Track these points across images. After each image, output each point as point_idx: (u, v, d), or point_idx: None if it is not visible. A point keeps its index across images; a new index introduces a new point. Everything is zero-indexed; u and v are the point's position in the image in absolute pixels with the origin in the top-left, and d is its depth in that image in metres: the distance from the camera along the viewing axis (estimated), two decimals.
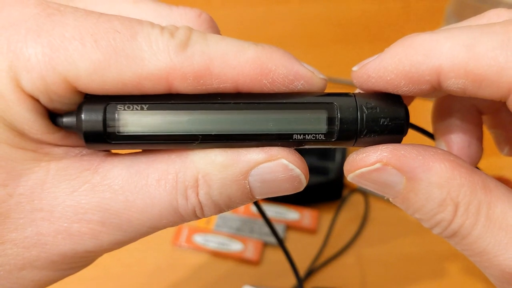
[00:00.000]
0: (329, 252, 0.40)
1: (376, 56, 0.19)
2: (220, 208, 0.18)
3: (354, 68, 0.20)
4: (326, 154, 0.45)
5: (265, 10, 0.64)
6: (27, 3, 0.17)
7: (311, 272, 0.39)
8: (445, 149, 0.23)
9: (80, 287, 0.37)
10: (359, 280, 0.39)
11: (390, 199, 0.19)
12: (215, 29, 0.21)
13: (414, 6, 0.63)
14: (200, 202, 0.18)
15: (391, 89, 0.18)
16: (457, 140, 0.23)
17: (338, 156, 0.44)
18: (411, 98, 0.24)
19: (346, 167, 0.19)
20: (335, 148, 0.45)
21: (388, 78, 0.18)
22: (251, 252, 0.39)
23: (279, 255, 0.40)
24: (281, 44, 0.67)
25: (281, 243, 0.23)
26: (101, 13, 0.17)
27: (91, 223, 0.17)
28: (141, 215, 0.17)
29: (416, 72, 0.17)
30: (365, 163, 0.18)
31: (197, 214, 0.18)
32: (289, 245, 0.41)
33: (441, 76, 0.17)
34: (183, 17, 0.20)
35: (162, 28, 0.17)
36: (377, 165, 0.18)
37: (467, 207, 0.17)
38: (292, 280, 0.38)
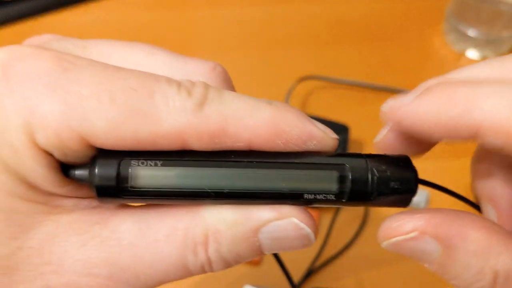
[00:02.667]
0: (329, 252, 0.40)
1: (410, 98, 0.18)
2: (228, 264, 0.18)
3: (384, 109, 0.20)
4: None
5: (266, 10, 0.64)
6: (42, 57, 0.17)
7: (311, 272, 0.39)
8: (495, 214, 0.22)
9: None
10: (359, 280, 0.39)
11: (426, 265, 0.18)
12: (229, 82, 0.21)
13: (414, 6, 0.63)
14: (209, 259, 0.18)
15: (422, 135, 0.18)
16: (506, 204, 0.22)
17: None
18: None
19: (381, 234, 0.19)
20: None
21: (422, 127, 0.18)
22: None
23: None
24: (282, 44, 0.66)
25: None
26: (117, 68, 0.17)
27: (99, 278, 0.17)
28: (149, 270, 0.17)
29: (453, 126, 0.17)
30: (400, 231, 0.18)
31: (205, 269, 0.18)
32: None
33: (480, 132, 0.17)
34: (198, 70, 0.20)
35: (178, 85, 0.17)
36: (413, 234, 0.18)
37: (508, 276, 0.17)
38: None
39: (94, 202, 0.18)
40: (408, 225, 0.18)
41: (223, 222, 0.17)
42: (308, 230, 0.18)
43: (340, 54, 0.58)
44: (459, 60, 0.57)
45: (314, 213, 0.42)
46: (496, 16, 0.53)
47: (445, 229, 0.17)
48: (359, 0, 0.65)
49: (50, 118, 0.16)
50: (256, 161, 0.17)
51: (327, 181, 0.18)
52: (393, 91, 0.53)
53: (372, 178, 0.18)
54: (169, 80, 0.17)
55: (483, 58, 0.56)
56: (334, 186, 0.18)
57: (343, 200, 0.18)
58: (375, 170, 0.18)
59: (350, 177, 0.18)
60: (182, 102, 0.16)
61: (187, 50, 0.59)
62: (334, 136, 0.18)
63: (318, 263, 0.39)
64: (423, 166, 0.52)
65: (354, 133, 0.47)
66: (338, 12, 0.64)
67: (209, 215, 0.18)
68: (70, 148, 0.16)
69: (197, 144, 0.17)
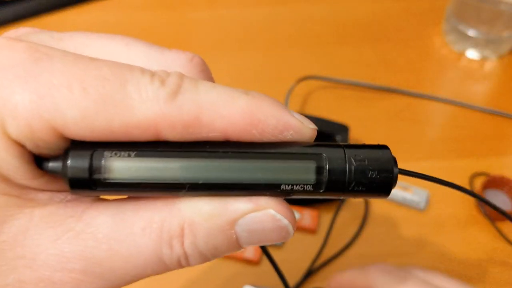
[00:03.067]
0: (329, 252, 0.40)
1: None
2: (205, 257, 0.18)
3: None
4: None
5: (266, 10, 0.64)
6: (16, 48, 0.17)
7: (310, 272, 0.39)
8: None
9: None
10: None
11: None
12: (207, 73, 0.21)
13: (414, 6, 0.63)
14: (185, 252, 0.17)
15: None
16: None
17: None
18: None
19: None
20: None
21: None
22: (251, 252, 0.39)
23: (279, 255, 0.40)
24: (282, 44, 0.66)
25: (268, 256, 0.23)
26: (91, 59, 0.17)
27: (73, 272, 0.17)
28: (125, 264, 0.17)
29: None
30: None
31: (182, 263, 0.18)
32: (289, 245, 0.41)
33: None
34: (175, 61, 0.20)
35: (152, 74, 0.17)
36: None
37: None
38: (292, 280, 0.37)
39: (69, 196, 0.18)
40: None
41: (199, 214, 0.17)
42: (285, 221, 0.18)
43: (340, 54, 0.58)
44: (459, 60, 0.57)
45: (314, 212, 0.42)
46: (496, 16, 0.53)
47: None
48: (359, 0, 0.65)
49: (21, 107, 0.15)
50: (231, 152, 0.17)
51: (304, 172, 0.17)
52: (393, 91, 0.53)
53: (349, 167, 0.17)
54: (142, 70, 0.17)
55: (483, 58, 0.56)
56: (311, 177, 0.17)
57: (321, 191, 0.18)
58: (352, 160, 0.18)
59: (327, 167, 0.17)
60: (155, 91, 0.16)
61: (187, 50, 0.59)
62: (312, 126, 0.18)
63: (318, 263, 0.39)
64: (423, 166, 0.52)
65: (354, 133, 0.47)
66: (338, 12, 0.64)
67: (185, 207, 0.17)
68: (42, 139, 0.16)
69: (171, 134, 0.16)
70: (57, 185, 0.18)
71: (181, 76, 0.17)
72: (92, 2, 0.64)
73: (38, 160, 0.17)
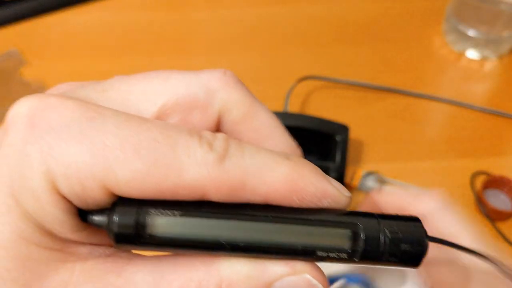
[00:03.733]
0: None
1: None
2: None
3: None
4: (327, 154, 0.45)
5: (266, 10, 0.64)
6: (67, 106, 0.17)
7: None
8: None
9: None
10: None
11: None
12: (240, 83, 0.22)
13: (414, 6, 0.63)
14: None
15: None
16: None
17: (338, 157, 0.44)
18: None
19: None
20: (335, 148, 0.45)
21: None
22: None
23: None
24: (282, 44, 0.66)
25: None
26: (141, 119, 0.17)
27: None
28: None
29: None
30: None
31: None
32: None
33: None
34: (211, 79, 0.21)
35: (200, 137, 0.17)
36: None
37: None
38: None
39: (108, 250, 0.19)
40: None
41: (237, 275, 0.18)
42: (320, 286, 0.18)
43: (340, 54, 0.58)
44: (459, 60, 0.57)
45: None
46: (496, 16, 0.53)
47: None
48: (359, 0, 0.65)
49: (74, 167, 0.16)
50: (271, 216, 0.18)
51: (341, 240, 0.18)
52: (393, 91, 0.53)
53: (384, 239, 0.18)
54: (190, 132, 0.17)
55: (483, 58, 0.56)
56: (347, 245, 0.18)
57: (355, 259, 0.18)
58: (387, 231, 0.18)
59: (363, 237, 0.18)
60: (204, 155, 0.17)
61: (187, 50, 0.59)
62: (348, 194, 0.19)
63: None
64: (423, 166, 0.52)
65: (354, 133, 0.47)
66: (338, 12, 0.64)
67: (224, 267, 0.18)
68: (92, 197, 0.16)
69: (215, 196, 0.17)
70: (97, 238, 0.18)
71: (227, 139, 0.18)
72: (92, 2, 0.64)
73: (81, 213, 0.17)
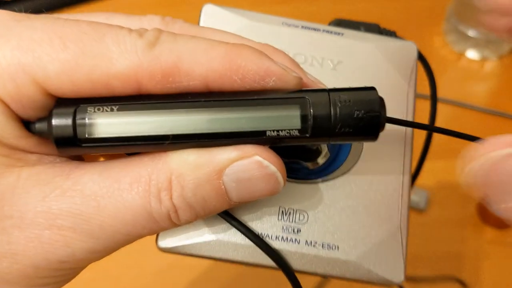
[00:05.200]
0: None
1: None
2: (196, 212, 0.18)
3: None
4: None
5: (265, 10, 0.64)
6: None
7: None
8: None
9: None
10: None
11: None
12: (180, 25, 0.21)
13: (414, 6, 0.63)
14: (174, 205, 0.17)
15: None
16: None
17: None
18: None
19: (469, 156, 0.16)
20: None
21: None
22: None
23: None
24: None
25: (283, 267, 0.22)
26: (70, 19, 0.17)
27: (62, 229, 0.17)
28: (114, 220, 0.17)
29: None
30: (495, 147, 0.16)
31: (172, 218, 0.18)
32: None
33: None
34: (151, 23, 0.20)
35: (130, 29, 0.17)
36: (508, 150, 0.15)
37: None
38: None
39: (59, 159, 0.18)
40: (501, 140, 0.15)
41: (185, 165, 0.17)
42: (272, 168, 0.17)
43: None
44: (459, 60, 0.57)
45: None
46: None
47: None
48: (359, 0, 0.65)
49: (4, 63, 0.16)
50: (214, 100, 0.17)
51: (289, 116, 0.17)
52: None
53: (334, 109, 0.17)
54: (121, 26, 0.17)
55: (483, 58, 0.56)
56: (296, 120, 0.17)
57: (308, 135, 0.17)
58: (337, 102, 0.17)
59: (312, 109, 0.17)
60: (133, 42, 0.16)
61: None
62: (296, 74, 0.18)
63: None
64: (423, 166, 0.52)
65: None
66: (338, 12, 0.64)
67: (172, 159, 0.17)
68: (27, 96, 0.16)
69: (151, 84, 0.16)
70: (46, 148, 0.18)
71: (160, 30, 0.17)
72: (92, 2, 0.64)
73: (26, 123, 0.17)
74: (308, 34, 0.25)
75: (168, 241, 0.21)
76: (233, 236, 0.21)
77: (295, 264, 0.21)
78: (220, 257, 0.21)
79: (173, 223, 0.18)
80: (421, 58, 0.27)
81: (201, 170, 0.17)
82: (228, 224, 0.21)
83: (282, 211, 0.22)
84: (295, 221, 0.22)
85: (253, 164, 0.17)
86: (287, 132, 0.17)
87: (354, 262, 0.22)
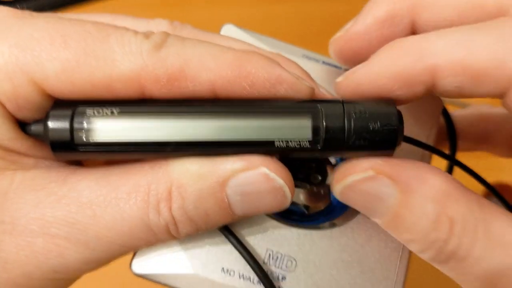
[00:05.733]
0: None
1: (363, 64, 0.17)
2: (196, 226, 0.17)
3: (339, 79, 0.18)
4: None
5: (265, 10, 0.64)
6: (1, 9, 0.16)
7: None
8: None
9: None
10: None
11: (378, 220, 0.17)
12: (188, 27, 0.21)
13: None
14: (173, 218, 0.16)
15: (383, 94, 0.17)
16: None
17: None
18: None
19: (335, 177, 0.17)
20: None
21: (380, 83, 0.17)
22: None
23: None
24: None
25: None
26: (75, 18, 0.16)
27: (56, 238, 0.16)
28: (110, 231, 0.16)
29: (410, 73, 0.16)
30: (356, 170, 0.16)
31: (171, 231, 0.17)
32: None
33: (437, 75, 0.16)
34: (158, 27, 0.19)
35: (136, 31, 0.16)
36: (370, 173, 0.16)
37: (464, 225, 0.15)
38: None
39: (56, 163, 0.17)
40: (364, 163, 0.16)
41: (187, 175, 0.16)
42: (280, 181, 0.16)
43: None
44: None
45: None
46: None
47: (403, 170, 0.16)
48: (360, 0, 0.65)
49: (0, 60, 0.15)
50: (220, 107, 0.16)
51: (300, 126, 0.16)
52: None
53: (349, 120, 0.16)
54: (127, 28, 0.16)
55: None
56: (307, 131, 0.16)
57: (318, 147, 0.16)
58: (352, 112, 0.16)
59: (325, 120, 0.16)
60: (138, 44, 0.16)
61: None
62: (308, 83, 0.17)
63: None
64: None
65: None
66: (339, 11, 0.64)
67: (173, 168, 0.16)
68: (23, 96, 0.15)
69: (155, 88, 0.16)
70: (43, 151, 0.17)
71: (167, 33, 0.16)
72: (92, 2, 0.64)
73: (22, 125, 0.17)
74: (328, 70, 0.23)
75: (143, 266, 0.20)
76: (212, 273, 0.20)
77: None
78: None
79: (172, 236, 0.17)
80: (445, 113, 0.26)
81: (204, 181, 0.16)
82: (208, 259, 0.20)
83: (270, 254, 0.20)
84: (281, 268, 0.20)
85: (259, 176, 0.16)
86: (297, 143, 0.16)
87: None
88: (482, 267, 0.16)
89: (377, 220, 0.17)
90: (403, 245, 0.21)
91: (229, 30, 0.25)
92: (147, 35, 0.16)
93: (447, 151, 0.26)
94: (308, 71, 0.21)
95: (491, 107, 0.28)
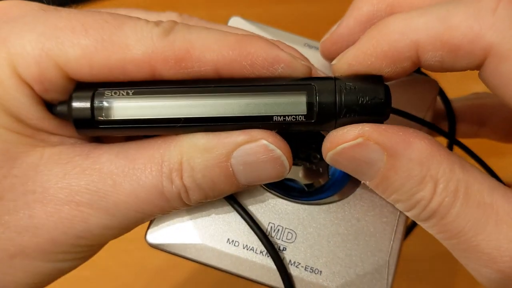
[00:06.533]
0: None
1: (353, 45, 0.19)
2: (205, 193, 0.19)
3: (334, 62, 0.20)
4: None
5: (265, 10, 0.64)
6: (27, 3, 0.19)
7: None
8: None
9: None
10: None
11: (367, 182, 0.19)
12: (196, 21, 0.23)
13: None
14: (184, 185, 0.18)
15: (374, 72, 0.18)
16: None
17: None
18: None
19: (326, 145, 0.19)
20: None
21: (369, 63, 0.18)
22: None
23: None
24: None
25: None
26: (95, 10, 0.18)
27: (80, 205, 0.18)
28: (128, 197, 0.18)
29: (395, 50, 0.18)
30: (346, 138, 0.18)
31: (182, 198, 0.19)
32: None
33: (419, 50, 0.17)
34: (169, 17, 0.22)
35: (148, 20, 0.18)
36: (359, 140, 0.17)
37: (447, 185, 0.17)
38: None
39: (79, 141, 0.19)
40: (353, 131, 0.18)
41: (196, 148, 0.18)
42: (278, 152, 0.18)
43: None
44: None
45: None
46: None
47: (390, 136, 0.17)
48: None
49: (29, 47, 0.17)
50: (223, 86, 0.18)
51: (296, 102, 0.18)
52: None
53: (339, 95, 0.18)
54: (140, 18, 0.18)
55: None
56: (303, 106, 0.18)
57: (313, 120, 0.18)
58: (342, 88, 0.18)
59: (318, 95, 0.18)
60: (149, 30, 0.17)
61: None
62: (305, 62, 0.18)
63: None
64: None
65: None
66: (338, 11, 0.64)
67: (183, 142, 0.18)
68: (49, 79, 0.17)
69: (165, 69, 0.17)
70: (67, 130, 0.19)
71: (175, 22, 0.18)
72: (92, 2, 0.64)
73: (48, 106, 0.19)
74: None
75: (156, 236, 0.22)
76: (218, 243, 0.22)
77: (274, 280, 0.22)
78: (203, 262, 0.22)
79: (184, 203, 0.19)
80: (441, 94, 0.28)
81: (210, 153, 0.18)
82: (215, 230, 0.22)
83: (271, 227, 0.22)
84: (282, 239, 0.22)
85: (259, 148, 0.18)
86: (293, 118, 0.18)
87: None
88: (460, 224, 0.17)
89: (366, 182, 0.19)
90: (398, 220, 0.22)
91: (236, 22, 0.28)
92: (157, 23, 0.18)
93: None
94: (310, 59, 0.22)
95: (488, 94, 0.29)
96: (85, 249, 0.19)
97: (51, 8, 0.18)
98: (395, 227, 0.22)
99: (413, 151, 0.17)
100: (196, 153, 0.18)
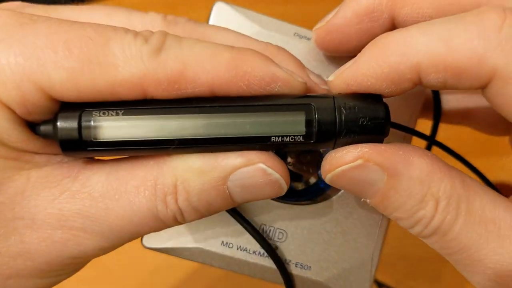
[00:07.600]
0: None
1: (351, 62, 0.18)
2: (201, 213, 0.18)
3: (330, 78, 0.19)
4: None
5: (265, 10, 0.64)
6: (1, 15, 0.17)
7: None
8: None
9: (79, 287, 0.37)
10: None
11: (368, 200, 0.18)
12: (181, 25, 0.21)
13: None
14: (180, 208, 0.18)
15: (373, 92, 0.18)
16: None
17: None
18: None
19: (325, 167, 0.18)
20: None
21: (369, 84, 0.18)
22: None
23: None
24: None
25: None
26: (73, 21, 0.17)
27: (73, 230, 0.17)
28: (121, 221, 0.17)
29: (395, 73, 0.17)
30: (345, 160, 0.17)
31: (178, 220, 0.18)
32: None
33: (421, 73, 0.17)
34: (154, 21, 0.20)
35: (135, 33, 0.17)
36: (359, 162, 0.17)
37: (448, 202, 0.17)
38: None
39: (66, 158, 0.18)
40: (352, 153, 0.17)
41: (190, 171, 0.17)
42: (277, 176, 0.18)
43: None
44: None
45: None
46: None
47: (389, 156, 0.17)
48: None
49: (7, 71, 0.16)
50: (219, 106, 0.17)
51: (294, 122, 0.17)
52: None
53: (339, 115, 0.17)
54: (126, 30, 0.17)
55: None
56: (301, 127, 0.17)
57: (312, 141, 0.17)
58: (342, 108, 0.17)
59: (317, 115, 0.17)
60: (138, 49, 0.16)
61: None
62: (302, 79, 0.18)
63: None
64: None
65: None
66: None
67: (176, 165, 0.17)
68: (32, 102, 0.16)
69: (157, 91, 0.16)
70: (53, 148, 0.18)
71: (165, 34, 0.17)
72: (92, 2, 0.64)
73: (31, 126, 0.18)
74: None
75: (152, 241, 0.23)
76: (213, 246, 0.23)
77: (268, 277, 0.23)
78: (199, 261, 0.23)
79: (179, 223, 0.18)
80: (435, 94, 0.28)
81: (206, 176, 0.17)
82: (209, 233, 0.22)
83: (263, 228, 0.23)
84: (273, 239, 0.23)
85: (257, 171, 0.17)
86: (292, 138, 0.17)
87: (323, 283, 0.23)
88: (462, 241, 0.17)
89: (367, 200, 0.19)
90: (382, 218, 0.24)
91: (221, 8, 0.28)
92: (146, 37, 0.17)
93: (431, 123, 0.29)
94: (300, 50, 0.23)
95: None
96: (79, 265, 0.19)
97: (27, 20, 0.17)
98: (379, 223, 0.23)
99: (414, 170, 0.17)
100: (191, 176, 0.17)
